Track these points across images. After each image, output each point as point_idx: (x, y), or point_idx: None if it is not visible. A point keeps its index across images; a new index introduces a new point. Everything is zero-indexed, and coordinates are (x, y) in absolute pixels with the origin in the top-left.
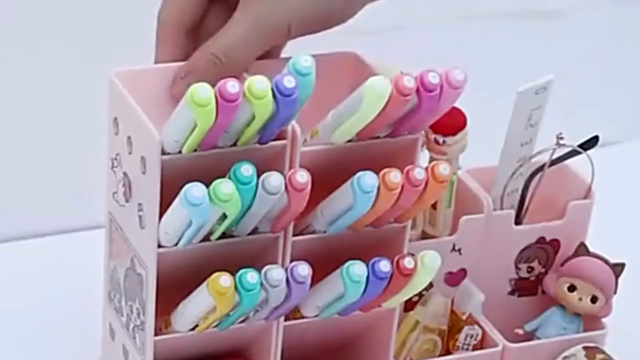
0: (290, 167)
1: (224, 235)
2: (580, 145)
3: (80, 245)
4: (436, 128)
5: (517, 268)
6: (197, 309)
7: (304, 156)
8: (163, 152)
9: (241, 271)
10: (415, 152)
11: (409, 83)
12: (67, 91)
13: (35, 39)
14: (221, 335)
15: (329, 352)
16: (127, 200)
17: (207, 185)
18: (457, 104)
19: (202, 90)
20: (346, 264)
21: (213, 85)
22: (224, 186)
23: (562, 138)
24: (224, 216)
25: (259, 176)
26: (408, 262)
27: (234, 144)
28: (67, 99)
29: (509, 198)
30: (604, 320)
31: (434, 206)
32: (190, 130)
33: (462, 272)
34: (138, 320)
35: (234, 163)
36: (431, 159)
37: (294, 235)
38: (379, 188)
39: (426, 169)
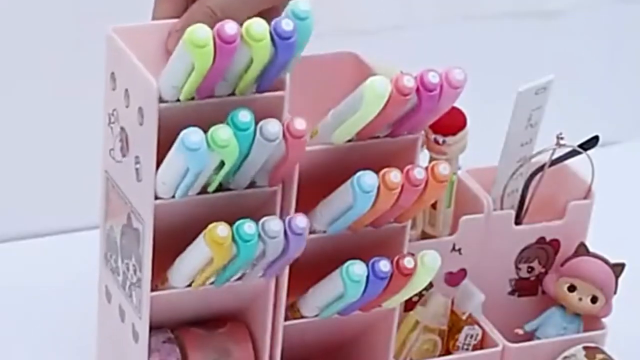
0: None
1: (221, 189)
2: (580, 145)
3: (81, 245)
4: (436, 128)
5: (517, 268)
6: (194, 261)
7: (304, 156)
8: (161, 100)
9: (239, 222)
10: (415, 151)
11: (409, 83)
12: (65, 93)
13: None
14: (218, 293)
15: (329, 352)
16: (124, 155)
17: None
18: (457, 104)
19: (201, 31)
20: (346, 264)
21: None
22: (222, 132)
23: (562, 138)
24: (222, 165)
25: (257, 124)
26: (408, 262)
27: (232, 94)
28: (65, 100)
29: (509, 198)
30: (604, 320)
31: (433, 206)
32: (188, 74)
33: (462, 272)
34: (134, 278)
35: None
36: (431, 159)
37: None
38: (379, 188)
39: (426, 168)
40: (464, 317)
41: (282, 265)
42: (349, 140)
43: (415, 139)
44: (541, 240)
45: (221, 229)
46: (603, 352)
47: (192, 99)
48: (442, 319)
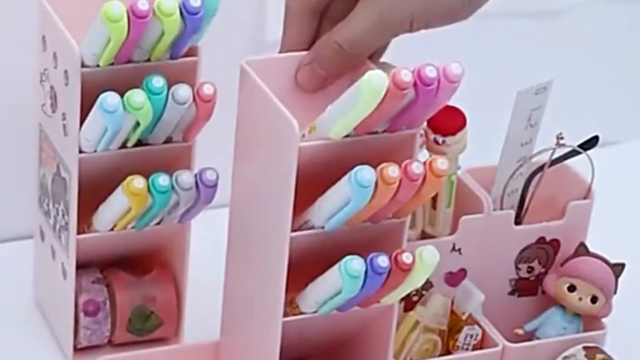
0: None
1: (141, 144)
2: (580, 146)
3: None
4: (435, 128)
5: (517, 268)
6: (114, 209)
7: (302, 152)
8: (83, 65)
9: (154, 175)
10: (413, 147)
11: (406, 77)
12: None
13: None
14: (139, 236)
15: (329, 349)
16: (53, 111)
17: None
18: (456, 104)
19: (115, 7)
20: (344, 259)
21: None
22: (137, 96)
23: (562, 138)
24: (138, 124)
25: (170, 88)
26: (406, 257)
27: (148, 60)
28: None
29: (509, 198)
30: (603, 320)
31: (434, 206)
32: (105, 44)
33: (462, 272)
34: (63, 221)
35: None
36: None
37: (293, 231)
38: (376, 182)
39: (424, 163)
40: (464, 317)
41: (195, 213)
42: (347, 136)
43: (414, 135)
44: (541, 240)
45: (137, 182)
46: (603, 352)
47: (112, 63)
48: (442, 319)
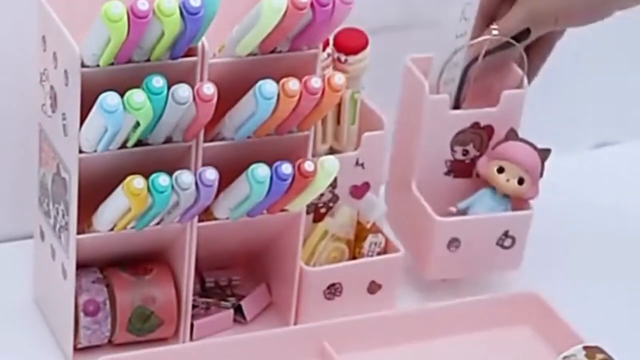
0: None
1: (141, 144)
2: (514, 37)
3: None
4: (339, 47)
5: (452, 150)
6: (114, 209)
7: (212, 69)
8: (83, 65)
9: (154, 175)
10: (314, 65)
11: None
12: None
13: None
14: (140, 236)
15: (244, 258)
16: (53, 111)
17: (123, 96)
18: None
19: (115, 7)
20: (251, 167)
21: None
22: (137, 96)
23: (495, 29)
24: (138, 124)
25: (170, 88)
26: (308, 166)
27: (148, 60)
28: None
29: (447, 87)
30: (532, 202)
31: (338, 122)
32: (106, 44)
33: (366, 185)
34: (63, 221)
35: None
36: None
37: (205, 142)
38: (279, 95)
39: (323, 79)
40: (368, 226)
41: (195, 212)
42: (254, 55)
43: (315, 54)
44: (475, 125)
45: (137, 182)
46: (603, 352)
47: (112, 63)
48: (349, 229)
